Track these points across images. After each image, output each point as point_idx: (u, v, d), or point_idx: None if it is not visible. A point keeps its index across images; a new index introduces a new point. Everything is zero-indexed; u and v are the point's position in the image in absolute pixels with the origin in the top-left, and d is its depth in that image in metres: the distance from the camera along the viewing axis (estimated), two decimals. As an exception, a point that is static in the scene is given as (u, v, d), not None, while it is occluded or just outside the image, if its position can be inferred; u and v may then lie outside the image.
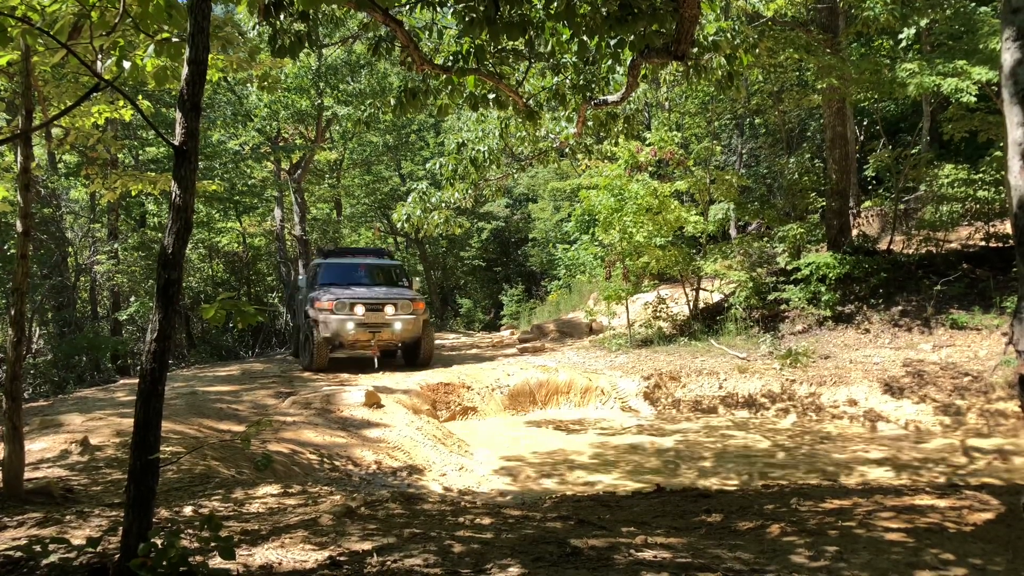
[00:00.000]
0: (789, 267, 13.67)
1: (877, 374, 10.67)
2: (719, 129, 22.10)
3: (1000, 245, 13.11)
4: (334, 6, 5.57)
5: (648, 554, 3.52)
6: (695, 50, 5.71)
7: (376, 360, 12.97)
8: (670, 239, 14.22)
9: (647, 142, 14.96)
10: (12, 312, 5.13)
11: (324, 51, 19.44)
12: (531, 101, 6.67)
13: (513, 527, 4.24)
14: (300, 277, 15.22)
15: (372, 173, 26.55)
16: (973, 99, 11.58)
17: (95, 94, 5.74)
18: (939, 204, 13.66)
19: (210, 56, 4.30)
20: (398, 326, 12.59)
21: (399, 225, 10.75)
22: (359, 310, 12.36)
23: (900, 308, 12.56)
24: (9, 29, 3.73)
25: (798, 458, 8.46)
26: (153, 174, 7.48)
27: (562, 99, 6.53)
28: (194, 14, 3.07)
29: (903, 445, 8.91)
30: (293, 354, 15.31)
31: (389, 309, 12.56)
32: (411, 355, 13.44)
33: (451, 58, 5.62)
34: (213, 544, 2.93)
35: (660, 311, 14.82)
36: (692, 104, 21.09)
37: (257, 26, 5.73)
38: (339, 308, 12.27)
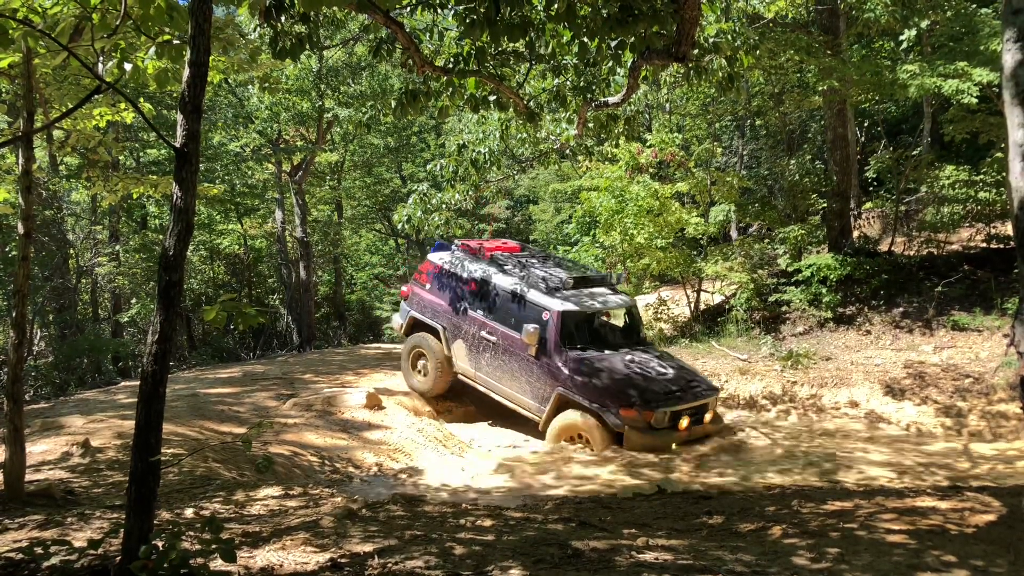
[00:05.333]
0: (790, 269, 13.66)
1: (878, 376, 10.65)
2: (720, 131, 22.09)
3: (1001, 246, 13.09)
4: (335, 8, 5.58)
5: (649, 556, 3.52)
6: (696, 52, 5.71)
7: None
8: (671, 241, 14.20)
9: (648, 144, 14.95)
10: (13, 314, 5.15)
11: (325, 53, 19.46)
12: (532, 103, 6.68)
13: (514, 529, 4.24)
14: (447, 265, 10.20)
15: (373, 175, 26.56)
16: (974, 100, 11.58)
17: (96, 96, 5.75)
18: (940, 205, 13.64)
19: (211, 58, 4.30)
20: (709, 440, 8.93)
21: (400, 226, 10.71)
22: (684, 423, 8.71)
23: (901, 310, 12.55)
24: (11, 31, 3.73)
25: (799, 459, 8.44)
26: (154, 176, 7.50)
27: (563, 101, 6.54)
28: (195, 16, 3.07)
29: (904, 446, 8.90)
30: (425, 389, 10.36)
31: (706, 414, 9.13)
32: None
33: (452, 60, 5.63)
34: (214, 546, 2.93)
35: (661, 312, 14.80)
36: (693, 106, 21.09)
37: (258, 28, 5.73)
38: (660, 422, 8.53)
